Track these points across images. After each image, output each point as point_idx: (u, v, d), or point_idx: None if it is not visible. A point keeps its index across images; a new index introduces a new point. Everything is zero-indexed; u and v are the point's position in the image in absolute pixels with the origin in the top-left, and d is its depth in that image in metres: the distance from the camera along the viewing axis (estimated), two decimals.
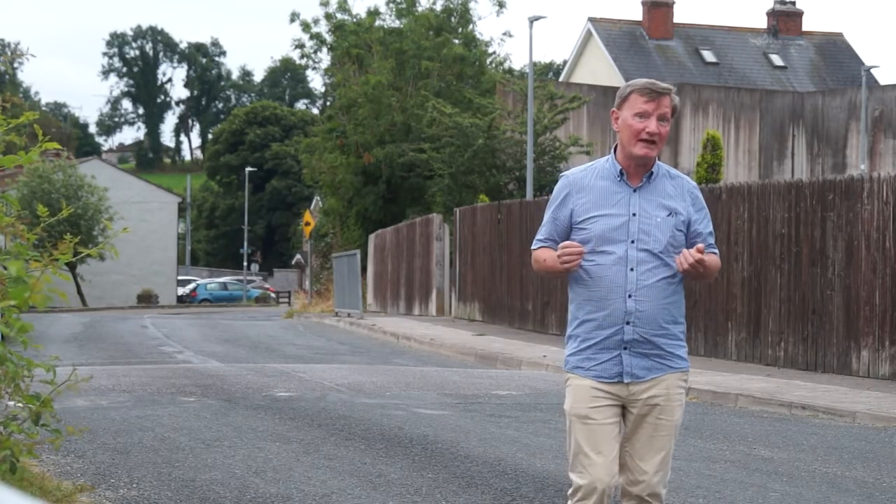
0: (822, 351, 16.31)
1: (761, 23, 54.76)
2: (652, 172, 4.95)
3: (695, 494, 8.10)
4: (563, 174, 5.11)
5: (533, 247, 5.14)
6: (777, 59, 49.63)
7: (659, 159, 5.02)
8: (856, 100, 36.90)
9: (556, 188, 5.08)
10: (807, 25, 59.80)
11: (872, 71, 42.35)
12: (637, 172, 4.93)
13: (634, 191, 4.91)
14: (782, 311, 17.02)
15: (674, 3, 49.10)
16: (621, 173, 4.93)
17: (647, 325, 4.85)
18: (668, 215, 4.90)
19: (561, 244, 4.89)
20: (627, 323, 4.84)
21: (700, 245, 4.89)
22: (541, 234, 5.09)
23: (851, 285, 15.83)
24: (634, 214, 4.88)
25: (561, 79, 50.31)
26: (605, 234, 4.86)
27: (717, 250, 5.08)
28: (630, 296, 4.84)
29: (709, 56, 48.53)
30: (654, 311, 4.85)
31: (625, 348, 4.87)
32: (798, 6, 51.59)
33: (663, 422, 4.94)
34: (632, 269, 4.84)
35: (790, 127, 37.83)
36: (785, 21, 51.04)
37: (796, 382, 14.97)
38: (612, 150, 5.01)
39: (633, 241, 4.85)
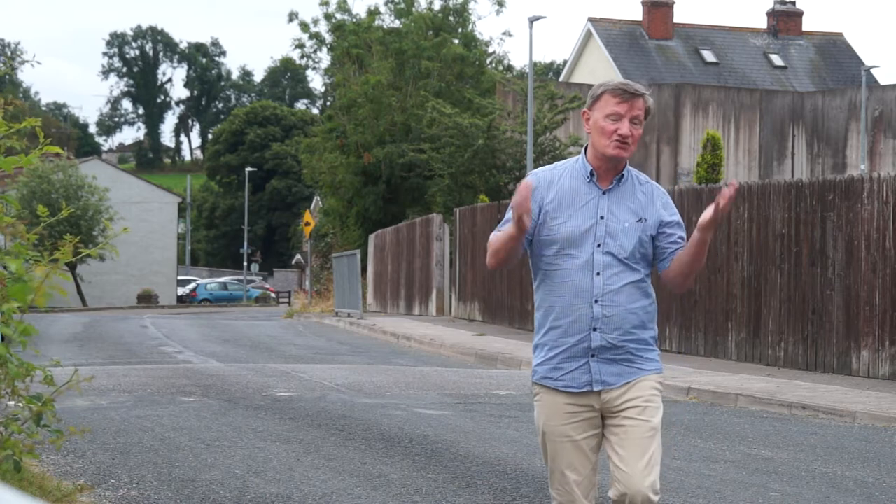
0: (822, 351, 16.31)
1: (761, 23, 54.81)
2: (622, 175, 4.78)
3: (695, 494, 8.11)
4: (531, 172, 4.90)
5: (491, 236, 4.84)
6: (777, 59, 49.65)
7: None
8: (856, 100, 36.91)
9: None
10: (807, 25, 59.86)
11: (872, 71, 42.36)
12: (608, 174, 4.77)
13: (604, 193, 4.75)
14: (782, 311, 17.02)
15: (674, 3, 49.11)
16: (591, 174, 4.76)
17: (614, 331, 4.67)
18: (638, 221, 4.74)
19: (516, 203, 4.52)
20: (594, 329, 4.67)
21: (733, 184, 4.63)
22: (501, 225, 4.79)
23: (851, 285, 15.83)
24: (602, 217, 4.71)
25: (561, 79, 50.33)
26: (572, 236, 4.69)
27: None
28: (596, 301, 4.66)
29: (709, 56, 48.54)
30: (621, 317, 4.68)
31: (592, 355, 4.69)
32: (798, 6, 51.61)
33: (641, 425, 4.71)
34: (598, 274, 4.68)
35: (790, 127, 37.84)
36: (785, 21, 51.06)
37: (796, 382, 14.97)
38: (584, 150, 4.83)
39: (598, 245, 4.69)
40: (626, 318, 4.69)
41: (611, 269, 4.68)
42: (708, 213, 4.61)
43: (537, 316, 4.82)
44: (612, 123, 4.70)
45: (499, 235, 4.73)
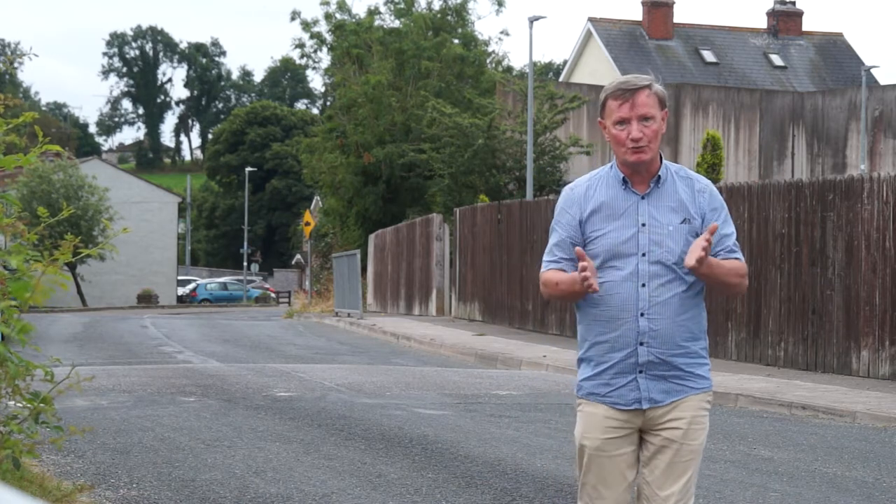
0: (822, 351, 16.31)
1: (761, 23, 54.79)
2: (659, 177, 4.48)
3: (695, 494, 8.10)
4: (566, 188, 4.63)
5: (542, 269, 4.60)
6: (777, 59, 49.65)
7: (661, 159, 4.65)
8: (856, 100, 36.91)
9: (561, 203, 4.61)
10: (807, 25, 59.84)
11: (872, 71, 42.37)
12: (643, 179, 4.49)
13: (642, 198, 4.47)
14: (782, 311, 17.02)
15: (674, 3, 49.12)
16: (624, 181, 4.49)
17: (662, 346, 4.42)
18: (682, 222, 4.44)
19: (580, 266, 4.35)
20: (641, 344, 4.42)
21: (713, 224, 4.35)
22: (550, 254, 4.56)
23: (851, 285, 15.83)
24: (644, 224, 4.43)
25: (561, 79, 50.34)
26: (614, 248, 4.43)
27: (740, 255, 4.54)
28: (642, 314, 4.40)
29: (709, 56, 48.55)
30: (669, 330, 4.42)
31: (640, 371, 4.44)
32: (798, 6, 51.61)
33: (685, 447, 4.50)
34: (643, 285, 4.41)
35: (790, 127, 37.84)
36: (785, 21, 51.06)
37: (796, 382, 14.97)
38: (614, 157, 4.58)
39: (643, 254, 4.41)
40: (675, 332, 4.44)
41: (657, 279, 4.42)
42: (689, 259, 4.36)
43: (580, 329, 4.59)
44: (622, 129, 4.44)
45: (562, 287, 4.48)
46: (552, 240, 4.59)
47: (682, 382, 4.49)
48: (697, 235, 4.46)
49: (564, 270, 4.51)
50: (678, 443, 4.50)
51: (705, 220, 4.49)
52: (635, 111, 4.42)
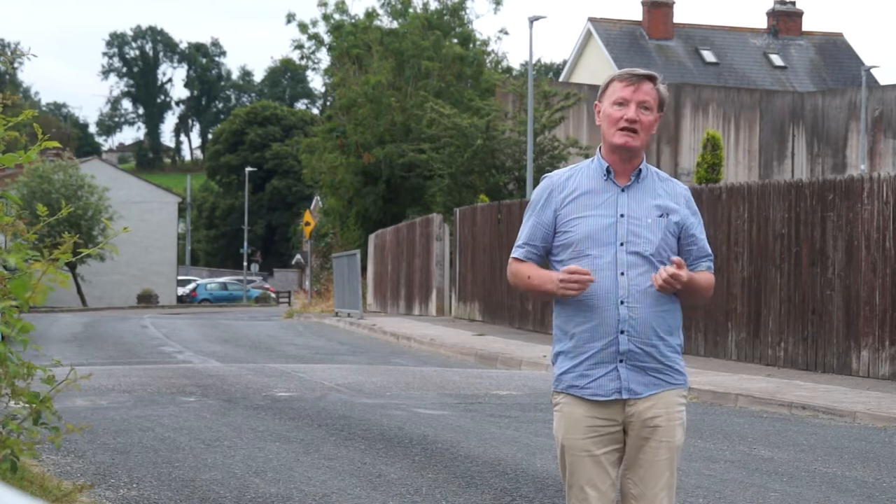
0: (822, 351, 16.31)
1: (761, 23, 54.81)
2: (640, 171, 4.57)
3: (695, 494, 8.10)
4: (545, 175, 4.68)
5: (513, 254, 4.66)
6: (777, 59, 49.66)
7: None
8: (856, 100, 36.91)
9: (538, 190, 4.66)
10: (807, 25, 59.86)
11: (872, 71, 42.37)
12: (624, 170, 4.55)
13: (622, 190, 4.54)
14: (782, 311, 17.02)
15: (674, 3, 49.14)
16: (608, 171, 4.55)
17: (642, 335, 4.46)
18: (660, 216, 4.53)
19: (566, 268, 4.45)
20: (621, 332, 4.45)
21: (677, 259, 4.48)
22: (520, 240, 4.64)
23: (851, 285, 15.83)
24: (623, 215, 4.50)
25: (561, 79, 50.38)
26: (592, 236, 4.48)
27: (711, 264, 4.68)
28: (622, 302, 4.44)
29: (709, 56, 48.56)
30: (648, 319, 4.46)
31: (621, 360, 4.47)
32: (798, 6, 51.63)
33: (665, 443, 4.54)
34: (622, 274, 4.45)
35: (790, 127, 37.84)
36: (785, 21, 51.07)
37: (796, 382, 14.97)
38: (599, 149, 4.63)
39: (622, 244, 4.47)
40: (653, 321, 4.49)
41: (636, 268, 4.48)
42: (656, 281, 4.48)
43: (557, 322, 4.61)
44: (619, 109, 4.52)
45: (532, 282, 4.58)
46: (525, 225, 4.65)
47: (660, 376, 4.54)
48: (673, 231, 4.58)
49: (535, 257, 4.62)
50: (658, 441, 4.54)
51: (685, 223, 4.61)
52: (637, 96, 4.55)
